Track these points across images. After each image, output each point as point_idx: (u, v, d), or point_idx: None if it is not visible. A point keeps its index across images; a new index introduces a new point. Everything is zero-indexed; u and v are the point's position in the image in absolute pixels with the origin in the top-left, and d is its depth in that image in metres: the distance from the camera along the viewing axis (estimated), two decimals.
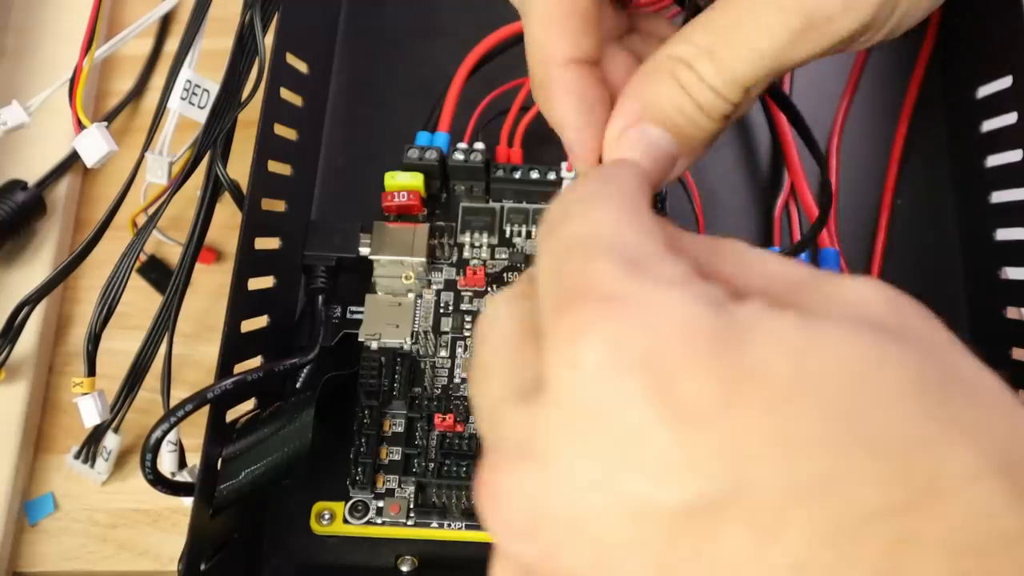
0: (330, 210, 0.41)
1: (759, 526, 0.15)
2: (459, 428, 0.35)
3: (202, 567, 0.30)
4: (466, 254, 0.37)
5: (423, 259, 0.36)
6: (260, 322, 0.36)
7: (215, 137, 0.34)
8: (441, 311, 0.37)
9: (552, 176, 0.37)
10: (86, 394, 0.34)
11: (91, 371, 0.34)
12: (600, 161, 0.25)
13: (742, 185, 0.40)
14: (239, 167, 0.34)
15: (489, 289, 0.37)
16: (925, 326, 0.19)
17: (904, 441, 0.15)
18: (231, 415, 0.33)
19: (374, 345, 0.36)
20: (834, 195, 0.39)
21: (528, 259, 0.37)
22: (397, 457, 0.35)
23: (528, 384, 0.18)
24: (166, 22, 0.45)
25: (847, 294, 0.18)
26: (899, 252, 0.38)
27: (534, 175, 0.38)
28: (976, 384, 0.17)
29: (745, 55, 0.23)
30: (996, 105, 0.37)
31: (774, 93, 0.38)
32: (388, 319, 0.36)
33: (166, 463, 0.35)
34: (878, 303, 0.18)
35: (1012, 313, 0.35)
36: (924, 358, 0.17)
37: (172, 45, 0.44)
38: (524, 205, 0.38)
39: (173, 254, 0.41)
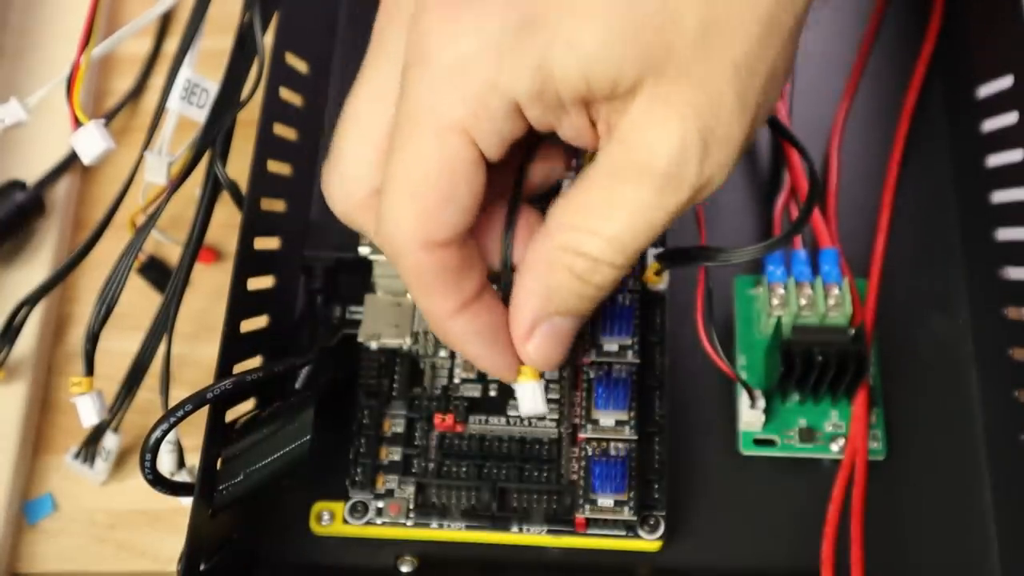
0: (330, 210, 0.40)
1: None
2: (459, 428, 0.34)
3: (202, 567, 0.30)
4: None
5: None
6: (260, 322, 0.36)
7: (214, 137, 0.34)
8: None
9: None
10: (84, 393, 0.34)
11: (89, 371, 0.34)
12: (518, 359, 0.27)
13: (742, 185, 0.40)
14: (239, 167, 0.34)
15: None
16: None
17: None
18: (231, 415, 0.33)
19: (374, 345, 0.36)
20: (834, 194, 0.39)
21: None
22: (397, 457, 0.35)
23: None
24: (165, 21, 0.45)
25: None
26: (899, 252, 0.38)
27: None
28: None
29: (629, 225, 0.24)
30: (996, 105, 0.37)
31: None
32: (388, 319, 0.36)
33: (165, 463, 0.35)
34: None
35: (1012, 313, 0.35)
36: None
37: (171, 44, 0.44)
38: None
39: (173, 254, 0.41)
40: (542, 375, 0.28)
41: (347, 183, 0.27)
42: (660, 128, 0.23)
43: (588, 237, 0.24)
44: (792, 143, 0.32)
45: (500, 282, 0.27)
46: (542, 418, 0.34)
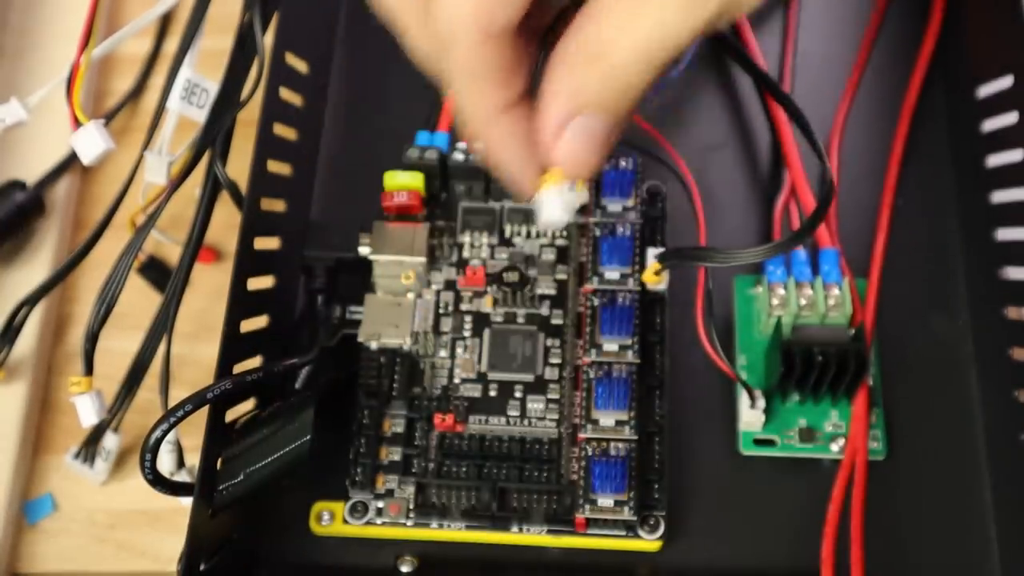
0: (330, 210, 0.41)
1: None
2: (459, 428, 0.35)
3: (202, 567, 0.30)
4: (466, 254, 0.37)
5: (423, 259, 0.36)
6: (260, 322, 0.36)
7: (214, 137, 0.34)
8: (441, 311, 0.37)
9: None
10: (84, 393, 0.34)
11: (89, 370, 0.34)
12: (542, 169, 0.26)
13: (742, 185, 0.40)
14: (239, 167, 0.34)
15: (489, 289, 0.37)
16: None
17: None
18: (231, 415, 0.33)
19: (374, 345, 0.36)
20: (835, 193, 0.39)
21: (528, 259, 0.37)
22: (397, 457, 0.35)
23: None
24: (165, 21, 0.45)
25: None
26: (899, 252, 0.38)
27: None
28: None
29: (652, 35, 0.23)
30: (996, 105, 0.37)
31: (773, 90, 0.38)
32: (388, 319, 0.36)
33: (165, 463, 0.35)
34: None
35: (1012, 313, 0.35)
36: None
37: (172, 44, 0.44)
38: (524, 205, 0.38)
39: (172, 254, 0.41)
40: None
41: None
42: None
43: (616, 34, 0.23)
44: (811, 143, 0.32)
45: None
46: (541, 418, 0.34)
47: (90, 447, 0.37)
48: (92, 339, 0.33)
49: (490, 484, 0.33)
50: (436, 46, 0.24)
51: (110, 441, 0.37)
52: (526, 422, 0.35)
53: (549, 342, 0.36)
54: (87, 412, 0.34)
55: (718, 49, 0.42)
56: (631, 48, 0.23)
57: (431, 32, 0.24)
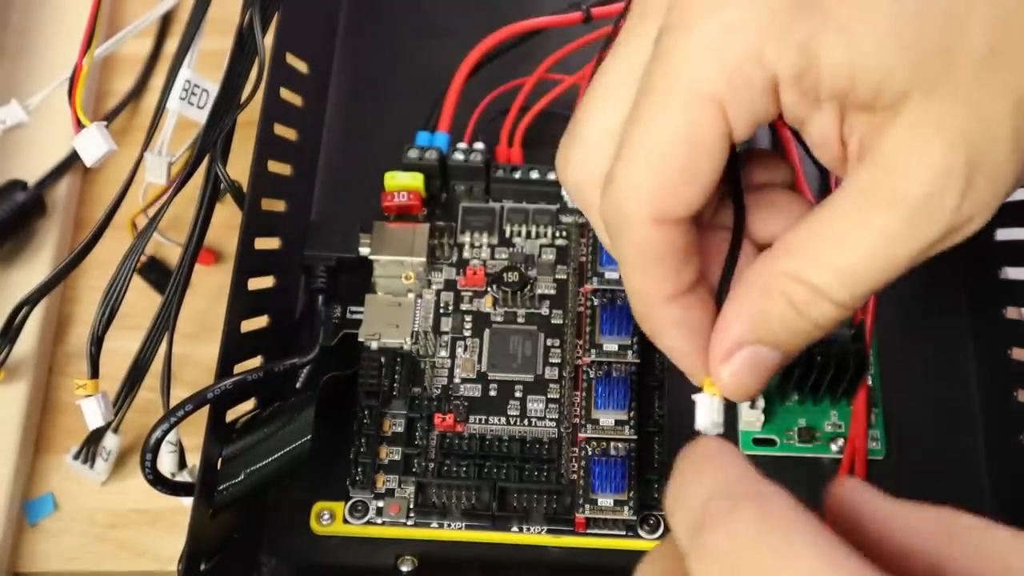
0: (330, 210, 0.41)
1: None
2: (459, 428, 0.35)
3: (202, 567, 0.30)
4: (466, 254, 0.37)
5: (423, 259, 0.36)
6: (260, 322, 0.36)
7: (215, 137, 0.34)
8: (441, 311, 0.37)
9: (552, 176, 0.37)
10: (90, 396, 0.34)
11: (94, 373, 0.34)
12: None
13: None
14: (239, 167, 0.34)
15: (489, 289, 0.37)
16: None
17: None
18: (231, 415, 0.33)
19: (374, 345, 0.36)
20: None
21: (528, 259, 0.37)
22: (397, 457, 0.35)
23: None
24: (166, 22, 0.45)
25: None
26: None
27: (534, 175, 0.38)
28: None
29: (867, 256, 0.21)
30: None
31: None
32: (388, 319, 0.36)
33: (166, 463, 0.35)
34: None
35: (1012, 313, 0.35)
36: None
37: (172, 45, 0.44)
38: (524, 205, 0.38)
39: (173, 255, 0.41)
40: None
41: (588, 155, 0.25)
42: (923, 152, 0.20)
43: (816, 265, 0.22)
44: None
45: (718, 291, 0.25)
46: (541, 418, 0.34)
47: (90, 447, 0.37)
48: (97, 343, 0.33)
49: (490, 484, 0.33)
50: (612, 225, 0.23)
51: (110, 441, 0.37)
52: (526, 422, 0.35)
53: (549, 342, 0.36)
54: (93, 415, 0.34)
55: None
56: (838, 269, 0.22)
57: (607, 211, 0.23)
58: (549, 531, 0.34)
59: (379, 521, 0.34)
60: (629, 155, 0.22)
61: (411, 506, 0.34)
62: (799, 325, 0.23)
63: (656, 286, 0.24)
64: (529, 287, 0.36)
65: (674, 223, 0.23)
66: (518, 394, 0.35)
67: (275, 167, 0.37)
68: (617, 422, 0.34)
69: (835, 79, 0.21)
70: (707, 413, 0.25)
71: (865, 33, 0.20)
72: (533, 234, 0.38)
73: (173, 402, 0.31)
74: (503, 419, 0.35)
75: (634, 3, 0.25)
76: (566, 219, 0.38)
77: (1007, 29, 0.20)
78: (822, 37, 0.20)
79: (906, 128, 0.20)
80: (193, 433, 0.32)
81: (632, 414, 0.34)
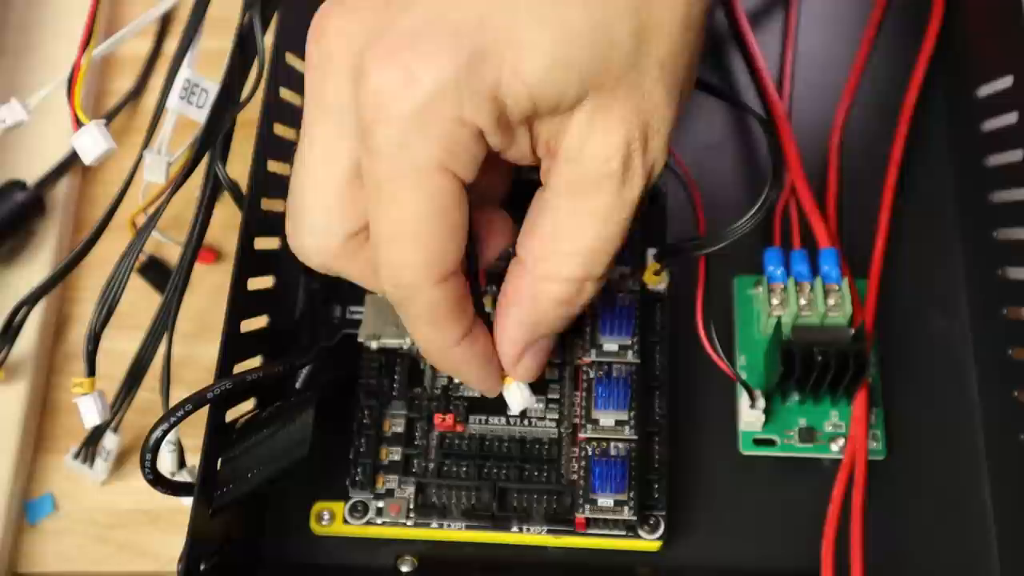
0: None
1: None
2: (459, 428, 0.35)
3: (202, 567, 0.30)
4: None
5: None
6: (260, 322, 0.36)
7: (215, 137, 0.34)
8: None
9: None
10: (86, 394, 0.34)
11: (91, 371, 0.34)
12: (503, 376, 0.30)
13: (742, 185, 0.40)
14: (239, 167, 0.34)
15: (489, 289, 0.37)
16: None
17: None
18: (231, 415, 0.33)
19: (374, 345, 0.36)
20: (834, 194, 0.39)
21: None
22: (397, 457, 0.35)
23: None
24: (165, 22, 0.45)
25: None
26: (900, 252, 0.38)
27: (534, 175, 0.37)
28: None
29: (601, 231, 0.26)
30: (996, 105, 0.37)
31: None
32: (388, 319, 0.36)
33: (166, 463, 0.35)
34: None
35: (1012, 313, 0.35)
36: None
37: (171, 45, 0.44)
38: None
39: (173, 254, 0.41)
40: None
41: (319, 236, 0.28)
42: (605, 136, 0.25)
43: (566, 259, 0.26)
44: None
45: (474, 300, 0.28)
46: (541, 418, 0.34)
47: (90, 447, 0.37)
48: (94, 340, 0.33)
49: (490, 484, 0.33)
50: (397, 296, 0.26)
51: (110, 441, 0.37)
52: (526, 422, 0.35)
53: None
54: (90, 413, 0.34)
55: (718, 49, 0.42)
56: (585, 253, 0.26)
57: (390, 289, 0.26)
58: (549, 531, 0.34)
59: (379, 521, 0.34)
60: (389, 239, 0.25)
61: (411, 506, 0.34)
62: (571, 312, 0.28)
63: (449, 335, 0.27)
64: None
65: (452, 275, 0.26)
66: None
67: (275, 167, 0.37)
68: (617, 422, 0.34)
69: (523, 111, 0.24)
70: (518, 398, 0.30)
71: (536, 68, 0.23)
72: None
73: (173, 402, 0.31)
74: (503, 419, 0.35)
75: (309, 91, 0.27)
76: None
77: (639, 14, 0.24)
78: (503, 84, 0.23)
79: (585, 121, 0.24)
80: (193, 433, 0.32)
81: (632, 414, 0.34)
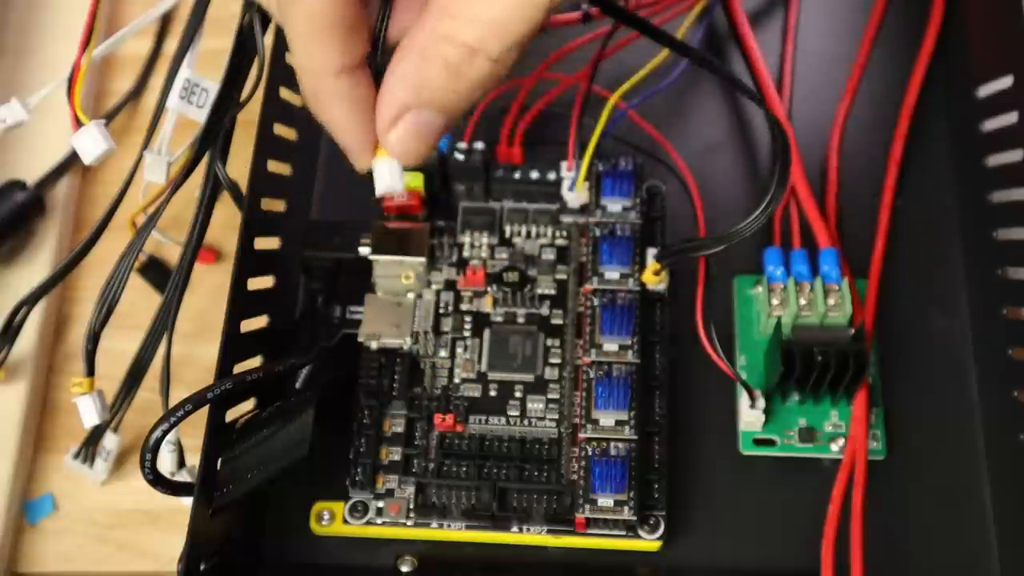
0: (330, 210, 0.41)
1: None
2: (459, 428, 0.35)
3: (202, 567, 0.30)
4: (466, 254, 0.37)
5: (423, 259, 0.36)
6: (260, 322, 0.36)
7: (215, 137, 0.34)
8: (441, 311, 0.37)
9: (552, 176, 0.38)
10: (85, 394, 0.34)
11: (90, 371, 0.34)
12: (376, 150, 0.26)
13: (742, 185, 0.40)
14: (239, 167, 0.34)
15: (489, 289, 0.37)
16: None
17: None
18: (231, 415, 0.33)
19: (374, 345, 0.36)
20: (834, 194, 0.39)
21: (528, 259, 0.37)
22: (397, 457, 0.35)
23: None
24: (165, 22, 0.45)
25: None
26: (900, 252, 0.38)
27: (534, 175, 0.38)
28: None
29: (509, 7, 0.23)
30: (996, 105, 0.37)
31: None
32: (388, 319, 0.36)
33: (166, 463, 0.35)
34: None
35: (1012, 313, 0.35)
36: None
37: (172, 45, 0.44)
38: (524, 205, 0.38)
39: (172, 254, 0.41)
40: None
41: None
42: None
43: (467, 24, 0.24)
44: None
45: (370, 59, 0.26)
46: (541, 418, 0.34)
47: (90, 447, 0.37)
48: (93, 339, 0.33)
49: (490, 484, 0.33)
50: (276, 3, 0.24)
51: (110, 441, 0.37)
52: (526, 422, 0.35)
53: (549, 342, 0.36)
54: (89, 413, 0.34)
55: (718, 49, 0.42)
56: (487, 23, 0.24)
57: None
58: (549, 531, 0.34)
59: (379, 521, 0.34)
60: None
61: (411, 506, 0.34)
62: (458, 85, 0.24)
63: (327, 58, 0.24)
64: (529, 287, 0.36)
65: None
66: (518, 394, 0.35)
67: (275, 167, 0.37)
68: (617, 422, 0.34)
69: None
70: (386, 176, 0.26)
71: None
72: (533, 234, 0.38)
73: (173, 402, 0.31)
74: (503, 419, 0.35)
75: None
76: (566, 219, 0.38)
77: None
78: None
79: None
80: (193, 433, 0.32)
81: (632, 414, 0.34)
